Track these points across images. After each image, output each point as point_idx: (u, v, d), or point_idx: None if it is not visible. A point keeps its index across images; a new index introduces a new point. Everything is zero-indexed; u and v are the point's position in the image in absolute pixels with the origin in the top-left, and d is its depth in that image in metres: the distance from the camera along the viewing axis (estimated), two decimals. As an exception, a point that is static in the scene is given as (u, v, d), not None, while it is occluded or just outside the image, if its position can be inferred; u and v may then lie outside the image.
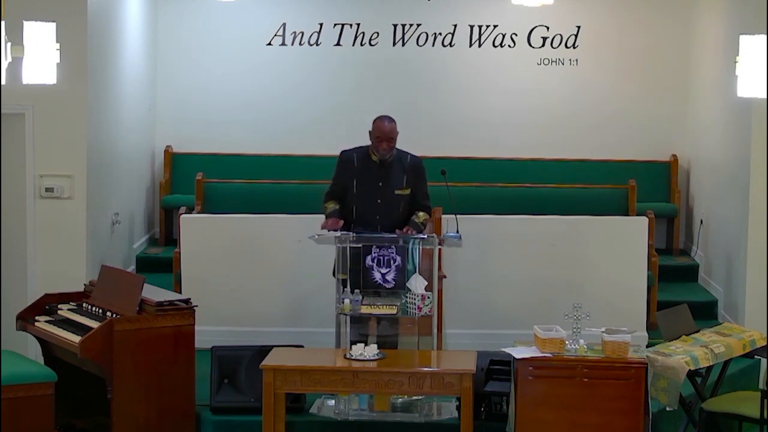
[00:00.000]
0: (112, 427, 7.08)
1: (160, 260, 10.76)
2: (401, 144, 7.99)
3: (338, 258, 7.65)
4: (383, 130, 7.72)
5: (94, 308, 7.46)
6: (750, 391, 7.69)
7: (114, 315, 7.22)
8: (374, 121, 7.81)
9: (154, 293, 7.41)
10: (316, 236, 7.70)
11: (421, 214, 7.90)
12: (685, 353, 6.95)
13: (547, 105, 11.88)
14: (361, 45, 11.91)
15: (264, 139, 11.85)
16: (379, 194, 7.82)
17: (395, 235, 7.64)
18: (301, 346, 7.67)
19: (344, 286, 7.59)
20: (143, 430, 7.16)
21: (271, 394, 6.98)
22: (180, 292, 8.45)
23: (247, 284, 8.94)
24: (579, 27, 11.85)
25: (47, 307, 7.72)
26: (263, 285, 8.94)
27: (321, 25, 11.90)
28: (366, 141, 7.95)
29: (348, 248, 7.62)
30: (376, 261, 7.62)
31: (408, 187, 7.86)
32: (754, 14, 8.85)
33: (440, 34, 11.90)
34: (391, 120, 7.77)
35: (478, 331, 8.79)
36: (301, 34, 11.91)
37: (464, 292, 8.86)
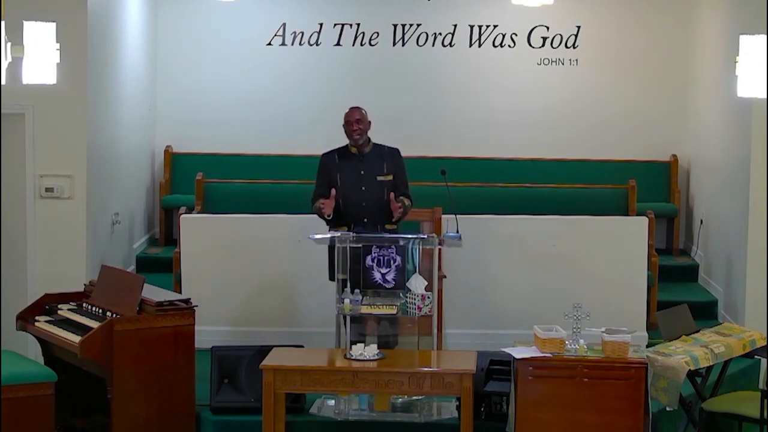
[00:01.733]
0: (112, 427, 7.08)
1: (160, 260, 10.76)
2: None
3: (338, 258, 7.66)
4: (351, 114, 7.98)
5: (94, 308, 7.46)
6: (750, 391, 7.69)
7: (114, 315, 7.22)
8: (345, 114, 8.05)
9: (154, 293, 7.41)
10: (316, 236, 7.72)
11: (406, 200, 7.99)
12: (685, 353, 6.95)
13: (547, 105, 11.88)
14: (361, 45, 11.91)
15: (264, 139, 11.85)
16: (362, 182, 7.94)
17: (395, 235, 7.67)
18: (301, 346, 7.68)
19: (344, 286, 7.60)
20: (143, 430, 7.16)
21: (271, 394, 6.98)
22: (180, 292, 8.45)
23: (247, 284, 8.94)
24: (579, 27, 11.85)
25: (47, 307, 7.72)
26: (263, 285, 8.93)
27: (321, 25, 11.90)
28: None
29: (348, 248, 7.63)
30: (376, 261, 7.63)
31: (389, 173, 7.99)
32: (754, 14, 8.85)
33: (440, 34, 11.90)
34: (358, 107, 8.03)
35: (478, 331, 8.79)
36: (301, 34, 11.91)
37: (464, 292, 8.86)
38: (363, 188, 7.93)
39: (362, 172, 7.96)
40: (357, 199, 7.92)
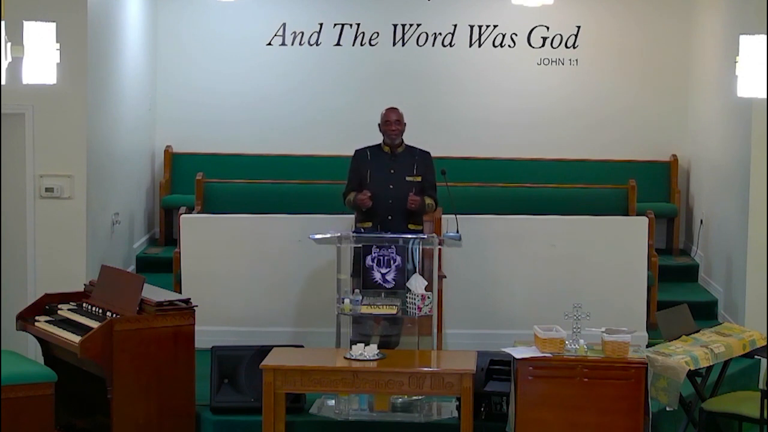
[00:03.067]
0: (112, 427, 7.08)
1: (160, 260, 10.76)
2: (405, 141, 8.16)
3: (339, 258, 7.66)
4: (390, 114, 8.15)
5: (94, 308, 7.46)
6: (750, 391, 7.69)
7: (114, 315, 7.22)
8: (381, 113, 8.18)
9: (154, 293, 7.41)
10: (316, 236, 7.73)
11: (428, 199, 8.11)
12: (685, 353, 6.95)
13: (547, 105, 11.88)
14: (361, 45, 11.91)
15: (264, 139, 11.85)
16: (391, 180, 8.07)
17: (395, 235, 7.69)
18: (301, 346, 7.68)
19: (344, 286, 7.61)
20: (143, 430, 7.16)
21: (271, 394, 6.99)
22: (180, 292, 8.46)
23: (247, 284, 8.94)
24: (579, 27, 11.85)
25: (47, 307, 7.72)
26: (263, 285, 8.94)
27: (321, 25, 11.90)
28: (371, 139, 8.22)
29: (351, 248, 7.65)
30: (376, 261, 7.64)
31: (418, 174, 8.11)
32: (754, 14, 8.85)
33: (440, 34, 11.90)
34: (395, 108, 8.19)
35: (478, 331, 8.79)
36: (301, 34, 11.91)
37: (464, 292, 8.86)
38: (391, 186, 8.05)
39: (392, 171, 8.09)
40: (385, 196, 8.03)
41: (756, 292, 8.94)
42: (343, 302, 7.57)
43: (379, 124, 8.19)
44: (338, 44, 11.92)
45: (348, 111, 11.67)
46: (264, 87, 11.91)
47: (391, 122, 8.10)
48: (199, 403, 7.48)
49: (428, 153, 8.25)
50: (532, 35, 11.85)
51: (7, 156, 8.73)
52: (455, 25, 11.88)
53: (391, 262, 7.63)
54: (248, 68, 11.90)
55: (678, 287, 10.37)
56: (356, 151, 8.27)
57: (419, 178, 8.10)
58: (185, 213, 9.43)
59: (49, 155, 8.89)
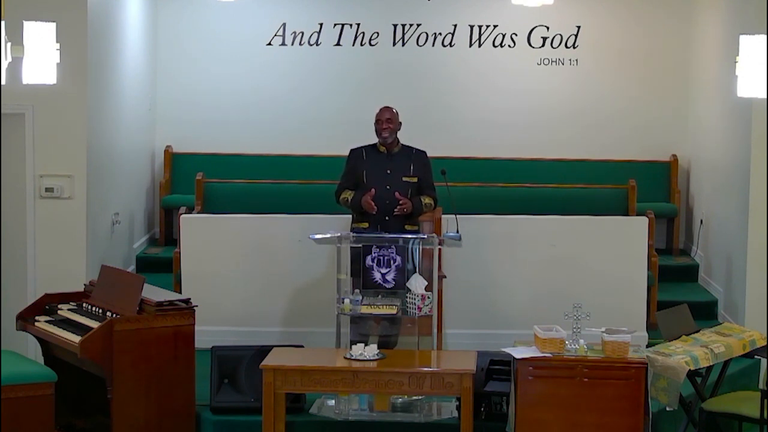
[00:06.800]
0: (112, 427, 7.08)
1: (160, 260, 10.76)
2: (403, 142, 8.15)
3: (339, 258, 7.66)
4: (382, 113, 8.11)
5: (94, 308, 7.46)
6: (750, 391, 7.70)
7: (114, 315, 7.22)
8: (376, 113, 8.16)
9: (154, 293, 7.41)
10: (316, 236, 7.73)
11: (426, 198, 8.09)
12: (685, 353, 6.95)
13: (547, 105, 11.88)
14: (361, 45, 11.91)
15: (264, 139, 11.85)
16: (388, 181, 8.04)
17: (395, 235, 7.69)
18: (301, 346, 7.68)
19: (344, 286, 7.61)
20: (143, 430, 7.16)
21: (271, 394, 6.99)
22: (180, 292, 8.46)
23: (248, 284, 8.94)
24: (579, 27, 11.85)
25: (47, 307, 7.72)
26: (263, 285, 8.94)
27: (321, 25, 11.90)
28: (371, 139, 8.19)
29: (349, 248, 7.65)
30: (376, 261, 7.64)
31: (415, 175, 8.10)
32: (754, 14, 8.85)
33: (440, 34, 11.90)
34: (389, 107, 8.15)
35: (478, 331, 8.79)
36: (301, 34, 11.91)
37: (464, 292, 8.86)
38: (388, 187, 8.03)
39: (389, 171, 8.07)
40: (382, 196, 8.00)
41: (756, 292, 8.94)
42: (343, 302, 7.57)
43: (374, 123, 8.18)
44: (338, 44, 11.92)
45: (348, 111, 11.67)
46: (264, 87, 11.91)
47: (382, 120, 8.07)
48: (199, 403, 7.48)
49: (424, 152, 8.24)
50: (532, 35, 11.86)
51: (7, 156, 8.73)
52: (455, 25, 11.89)
53: (391, 262, 7.63)
54: (248, 68, 11.91)
55: (678, 287, 10.37)
56: (351, 150, 8.25)
57: (415, 179, 8.09)
58: (185, 213, 9.43)
59: (49, 155, 8.90)
